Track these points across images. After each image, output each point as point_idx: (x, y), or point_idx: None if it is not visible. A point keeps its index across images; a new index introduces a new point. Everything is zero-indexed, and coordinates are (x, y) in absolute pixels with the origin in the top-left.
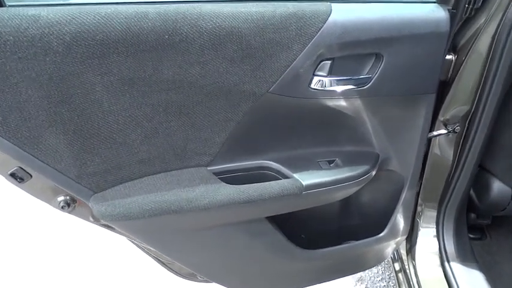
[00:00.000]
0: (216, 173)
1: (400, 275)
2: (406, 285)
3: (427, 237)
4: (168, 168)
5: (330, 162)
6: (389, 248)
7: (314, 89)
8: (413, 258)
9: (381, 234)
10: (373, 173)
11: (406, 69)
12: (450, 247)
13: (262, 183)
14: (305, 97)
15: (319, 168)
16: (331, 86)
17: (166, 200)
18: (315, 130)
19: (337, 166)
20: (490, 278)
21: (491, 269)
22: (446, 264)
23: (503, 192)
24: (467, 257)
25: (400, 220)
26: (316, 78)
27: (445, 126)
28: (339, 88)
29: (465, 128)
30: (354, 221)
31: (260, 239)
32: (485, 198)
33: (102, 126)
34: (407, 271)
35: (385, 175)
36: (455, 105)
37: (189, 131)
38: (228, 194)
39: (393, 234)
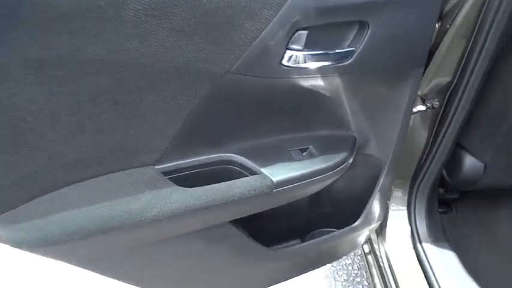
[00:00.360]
0: (167, 172)
1: (369, 257)
2: (376, 267)
3: (398, 218)
4: (103, 171)
5: (303, 150)
6: (364, 235)
7: (286, 66)
8: (383, 240)
9: (356, 224)
10: (351, 160)
11: (394, 40)
12: (422, 228)
13: (224, 183)
14: (275, 76)
15: (291, 159)
16: (306, 62)
17: (101, 214)
18: (285, 114)
19: (311, 155)
20: (459, 254)
21: (459, 244)
22: (418, 245)
23: (475, 168)
24: (439, 237)
25: (376, 207)
26: (289, 53)
27: (423, 101)
28: (316, 64)
29: (444, 103)
30: (326, 210)
31: (222, 244)
32: (457, 174)
33: (3, 126)
34: (378, 253)
35: (361, 160)
36: (436, 78)
37: (128, 124)
38: (182, 200)
39: (368, 221)
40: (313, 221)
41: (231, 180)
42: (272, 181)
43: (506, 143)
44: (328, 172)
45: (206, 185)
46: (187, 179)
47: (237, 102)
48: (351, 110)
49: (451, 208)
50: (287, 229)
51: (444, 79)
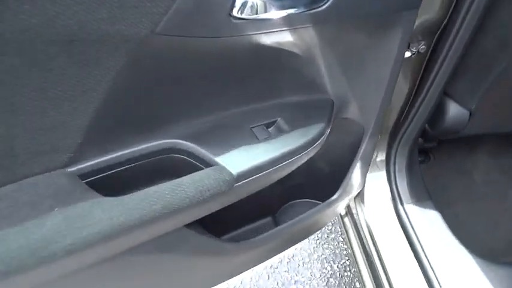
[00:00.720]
0: (85, 175)
1: (346, 219)
2: (354, 229)
3: (376, 179)
4: None
5: (269, 125)
6: (342, 205)
7: (238, 18)
8: (361, 201)
9: (335, 196)
10: (328, 130)
11: None
12: (403, 187)
13: (167, 184)
14: (223, 35)
15: (254, 139)
16: (266, 11)
17: None
18: (242, 82)
19: (279, 130)
20: (442, 212)
21: (440, 198)
22: (400, 207)
23: (460, 116)
24: (421, 197)
25: (356, 176)
26: (240, 0)
27: (408, 46)
28: (280, 14)
29: (432, 47)
30: (300, 180)
31: (178, 251)
32: (440, 124)
33: None
34: (355, 215)
35: (339, 125)
36: (423, 17)
37: (14, 118)
38: (108, 217)
39: (348, 192)
40: (285, 193)
41: (178, 175)
42: (231, 174)
43: (494, 89)
44: (302, 152)
45: (144, 186)
46: (115, 181)
47: (173, 73)
48: (326, 69)
49: (429, 157)
50: (256, 205)
51: (433, 18)
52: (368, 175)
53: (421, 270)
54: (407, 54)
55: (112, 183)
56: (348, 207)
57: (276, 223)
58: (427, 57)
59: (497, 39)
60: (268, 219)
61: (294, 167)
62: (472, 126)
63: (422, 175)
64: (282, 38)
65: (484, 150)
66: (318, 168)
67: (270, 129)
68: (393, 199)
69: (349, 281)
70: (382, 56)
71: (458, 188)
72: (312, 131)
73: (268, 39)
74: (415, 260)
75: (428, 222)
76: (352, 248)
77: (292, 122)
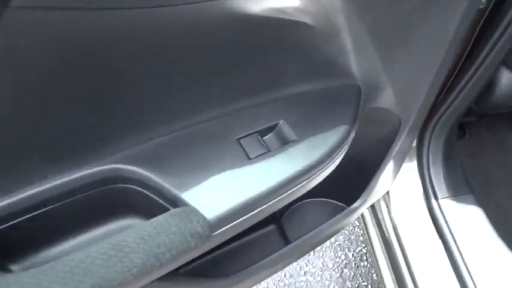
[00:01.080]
0: None
1: (367, 214)
2: (371, 213)
3: (404, 172)
4: None
5: (267, 132)
6: (362, 212)
7: None
8: (387, 202)
9: (356, 203)
10: (354, 132)
11: None
12: (438, 179)
13: (103, 244)
14: (186, 1)
15: (243, 158)
16: None
17: None
18: (224, 70)
19: (281, 140)
20: (484, 206)
21: (476, 181)
22: (433, 201)
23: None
24: (460, 189)
25: (386, 178)
26: None
27: None
28: None
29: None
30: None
31: None
32: (489, 98)
33: None
34: (379, 211)
35: (368, 116)
36: None
37: None
38: None
39: (373, 197)
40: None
41: (126, 215)
42: (204, 221)
43: None
44: (313, 174)
45: (74, 235)
46: (30, 230)
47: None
48: (353, 43)
49: (464, 132)
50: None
51: None
52: None
53: (454, 270)
54: None
55: (27, 233)
56: (373, 209)
57: (282, 230)
58: (484, 17)
59: None
60: (272, 227)
61: (300, 193)
62: None
63: (462, 164)
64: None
65: None
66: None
67: (267, 138)
68: (425, 193)
69: (365, 272)
70: (438, 26)
71: (500, 172)
72: (330, 137)
73: (261, 3)
74: (445, 254)
75: (467, 220)
76: (368, 234)
77: (301, 125)
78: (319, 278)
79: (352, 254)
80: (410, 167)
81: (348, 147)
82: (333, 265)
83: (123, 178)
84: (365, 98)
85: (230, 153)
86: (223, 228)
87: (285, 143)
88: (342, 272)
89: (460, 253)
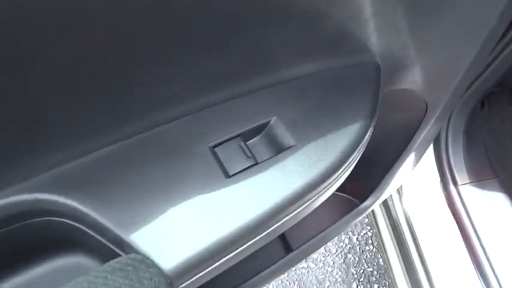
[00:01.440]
0: None
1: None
2: (383, 209)
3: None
4: None
5: (252, 135)
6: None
7: None
8: (400, 194)
9: (367, 202)
10: (372, 126)
11: None
12: (459, 163)
13: None
14: None
15: (218, 176)
16: None
17: None
18: (191, 46)
19: (273, 147)
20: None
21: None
22: (451, 187)
23: None
24: (483, 174)
25: (403, 172)
26: None
27: None
28: None
29: None
30: None
31: None
32: None
33: None
34: (389, 197)
35: (388, 100)
36: None
37: None
38: None
39: (385, 195)
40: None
41: (65, 264)
42: (162, 276)
43: None
44: (319, 191)
45: None
46: None
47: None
48: (373, 6)
49: (483, 104)
50: None
51: None
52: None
53: (473, 259)
54: None
55: None
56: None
57: (283, 236)
58: None
59: None
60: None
61: (299, 219)
62: None
63: (485, 143)
64: None
65: None
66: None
67: (252, 144)
68: (443, 179)
69: (371, 256)
70: None
71: None
72: (341, 140)
73: None
74: (461, 243)
75: (492, 208)
76: (374, 216)
77: (300, 124)
78: (321, 265)
79: (357, 238)
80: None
81: (364, 149)
82: (336, 250)
83: (45, 211)
84: (385, 79)
85: (199, 170)
86: (190, 281)
87: (278, 150)
88: (346, 257)
89: (481, 244)
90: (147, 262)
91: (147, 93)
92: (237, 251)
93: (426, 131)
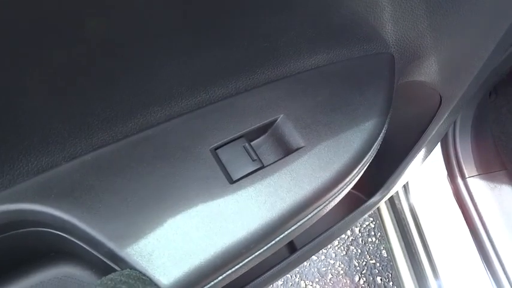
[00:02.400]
0: None
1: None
2: (387, 200)
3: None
4: None
5: (255, 135)
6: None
7: None
8: (406, 188)
9: (375, 198)
10: (386, 123)
11: None
12: (467, 156)
13: None
14: None
15: (221, 182)
16: None
17: None
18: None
19: (279, 148)
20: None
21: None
22: (458, 180)
23: None
24: (491, 165)
25: (411, 170)
26: None
27: None
28: None
29: None
30: None
31: None
32: None
33: None
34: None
35: (400, 92)
36: None
37: None
38: None
39: (394, 190)
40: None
41: (56, 274)
42: None
43: None
44: (332, 195)
45: None
46: None
47: None
48: None
49: (490, 93)
50: None
51: None
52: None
53: (480, 252)
54: None
55: None
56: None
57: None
58: None
59: None
60: None
61: (308, 226)
62: None
63: (492, 133)
64: None
65: None
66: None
67: (257, 144)
68: (450, 172)
69: (373, 248)
70: None
71: None
72: (354, 139)
73: None
74: (468, 237)
75: (498, 201)
76: (378, 208)
77: (310, 123)
78: (323, 257)
79: (359, 230)
80: None
81: (378, 147)
82: (338, 242)
83: (31, 221)
84: (398, 71)
85: (200, 175)
86: None
87: (286, 151)
88: (348, 249)
89: (489, 236)
90: (143, 279)
91: (141, 89)
92: (242, 263)
93: (439, 126)
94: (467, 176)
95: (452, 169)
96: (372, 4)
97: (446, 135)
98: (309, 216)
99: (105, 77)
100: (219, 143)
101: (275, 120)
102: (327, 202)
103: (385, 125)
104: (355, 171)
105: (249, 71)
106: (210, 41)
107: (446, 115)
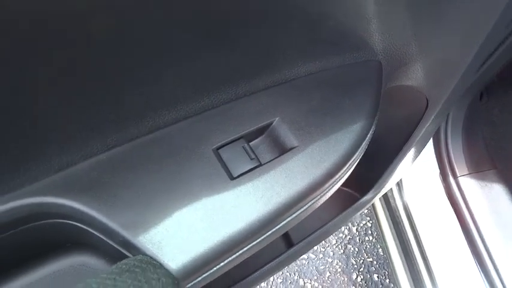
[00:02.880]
0: None
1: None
2: (382, 200)
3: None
4: None
5: (253, 136)
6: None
7: None
8: (399, 186)
9: (366, 197)
10: (374, 125)
11: None
12: (458, 155)
13: None
14: None
15: (222, 176)
16: None
17: None
18: (193, 47)
19: (276, 146)
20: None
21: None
22: (450, 179)
23: None
24: (482, 165)
25: (402, 169)
26: None
27: None
28: None
29: None
30: None
31: None
32: None
33: None
34: (388, 192)
35: (388, 96)
36: None
37: None
38: None
39: (386, 188)
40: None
41: (72, 263)
42: (170, 277)
43: None
44: (323, 190)
45: None
46: None
47: None
48: (376, 4)
49: (481, 94)
50: None
51: None
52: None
53: (472, 251)
54: None
55: None
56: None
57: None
58: None
59: None
60: None
61: (301, 219)
62: None
63: (483, 134)
64: None
65: None
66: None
67: (256, 145)
68: (442, 171)
69: (370, 247)
70: None
71: None
72: (343, 139)
73: None
74: (461, 236)
75: (490, 198)
76: (374, 207)
77: (303, 124)
78: (321, 256)
79: (356, 229)
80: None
81: (365, 148)
82: (336, 241)
83: (51, 213)
84: (386, 76)
85: (204, 172)
86: (196, 280)
87: (281, 151)
88: (346, 248)
89: (480, 234)
90: (154, 263)
91: (151, 94)
92: (242, 251)
93: (426, 127)
94: (458, 175)
95: (445, 168)
96: (358, 17)
97: (438, 135)
98: (303, 209)
99: (120, 83)
100: (221, 143)
101: (271, 123)
102: (319, 197)
103: (373, 127)
104: (344, 169)
105: (248, 78)
106: (213, 50)
107: (433, 116)
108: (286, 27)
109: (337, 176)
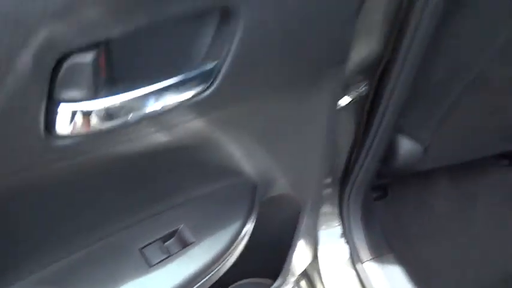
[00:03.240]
0: None
1: (302, 283)
2: None
3: (330, 237)
4: None
5: (167, 238)
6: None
7: (65, 137)
8: (317, 263)
9: (275, 284)
10: (251, 222)
11: (291, 32)
12: (361, 242)
13: None
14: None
15: (143, 266)
16: (121, 114)
17: None
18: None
19: (182, 243)
20: (405, 263)
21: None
22: (358, 265)
23: (414, 151)
24: (381, 250)
25: (301, 254)
26: (65, 108)
27: (346, 92)
28: (140, 112)
29: (375, 86)
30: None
31: None
32: (393, 162)
33: None
34: (311, 277)
35: (272, 204)
36: (363, 55)
37: None
38: None
39: (294, 273)
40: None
41: None
42: None
43: (447, 121)
44: (212, 269)
45: None
46: None
47: None
48: (242, 150)
49: (386, 192)
50: None
51: (373, 56)
52: (321, 233)
53: None
54: (347, 100)
55: None
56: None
57: None
58: (371, 97)
59: (445, 70)
60: None
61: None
62: (427, 161)
63: (383, 224)
64: (156, 139)
65: (444, 180)
66: (260, 244)
67: (168, 243)
68: (351, 257)
69: None
70: (311, 120)
71: (420, 225)
72: (224, 234)
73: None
74: None
75: (390, 281)
76: None
77: (199, 226)
78: None
79: None
80: (337, 232)
81: (247, 238)
82: None
83: None
84: (263, 190)
85: (131, 264)
86: None
87: (184, 245)
88: None
89: None
90: None
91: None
92: None
93: (305, 222)
94: (364, 260)
95: (353, 255)
96: (233, 157)
97: (343, 224)
98: (203, 280)
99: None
100: (145, 244)
101: (178, 228)
102: (214, 272)
103: (249, 224)
104: (227, 254)
105: (162, 201)
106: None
107: (306, 215)
108: (185, 168)
109: (223, 258)
